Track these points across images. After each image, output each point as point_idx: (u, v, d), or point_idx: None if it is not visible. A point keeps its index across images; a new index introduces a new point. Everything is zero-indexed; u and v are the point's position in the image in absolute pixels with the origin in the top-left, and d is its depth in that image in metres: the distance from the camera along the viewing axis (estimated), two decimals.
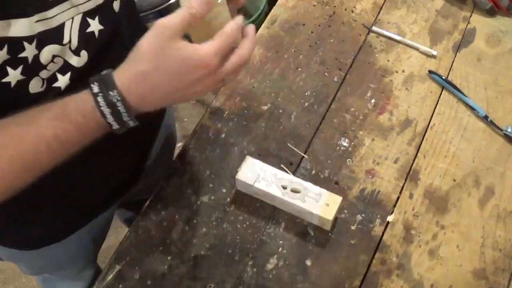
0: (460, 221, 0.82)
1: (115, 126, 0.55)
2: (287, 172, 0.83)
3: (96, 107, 0.53)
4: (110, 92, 0.52)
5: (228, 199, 0.83)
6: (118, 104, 0.53)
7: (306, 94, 0.94)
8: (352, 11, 1.05)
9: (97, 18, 0.62)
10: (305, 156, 0.87)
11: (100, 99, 0.53)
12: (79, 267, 1.06)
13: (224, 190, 0.84)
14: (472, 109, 0.92)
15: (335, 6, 1.05)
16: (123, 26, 0.68)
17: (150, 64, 0.52)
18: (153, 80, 0.53)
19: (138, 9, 0.81)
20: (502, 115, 0.92)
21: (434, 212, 0.83)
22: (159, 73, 0.53)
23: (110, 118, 0.54)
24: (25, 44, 0.53)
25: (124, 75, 0.53)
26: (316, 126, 0.91)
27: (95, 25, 0.62)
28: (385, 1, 1.07)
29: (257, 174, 0.80)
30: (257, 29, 1.03)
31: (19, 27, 0.52)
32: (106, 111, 0.53)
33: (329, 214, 0.77)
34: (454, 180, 0.86)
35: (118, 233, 1.68)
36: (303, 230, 0.81)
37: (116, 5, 0.65)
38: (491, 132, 0.91)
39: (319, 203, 0.77)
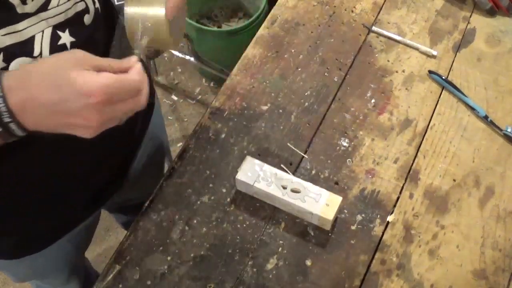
0: (460, 221, 0.82)
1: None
2: (287, 172, 0.83)
3: None
4: None
5: (228, 199, 0.83)
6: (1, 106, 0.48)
7: (306, 94, 0.94)
8: (352, 11, 1.05)
9: (67, 31, 0.62)
10: (305, 156, 0.87)
11: None
12: (64, 276, 1.04)
13: (224, 190, 0.84)
14: (472, 109, 0.92)
15: (335, 6, 1.05)
16: (97, 36, 0.68)
17: (38, 70, 0.50)
18: (33, 86, 0.49)
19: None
20: (502, 115, 0.92)
21: (434, 212, 0.83)
22: (41, 83, 0.49)
23: None
24: None
25: (11, 75, 0.50)
26: (316, 126, 0.91)
27: (66, 38, 0.62)
28: (385, 1, 1.07)
29: (257, 174, 0.80)
30: (257, 29, 1.03)
31: None
32: None
33: (329, 214, 0.77)
34: (454, 180, 0.86)
35: (118, 233, 1.68)
36: (303, 230, 0.81)
37: (87, 18, 0.65)
38: (491, 132, 0.91)
39: (319, 203, 0.77)
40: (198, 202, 0.83)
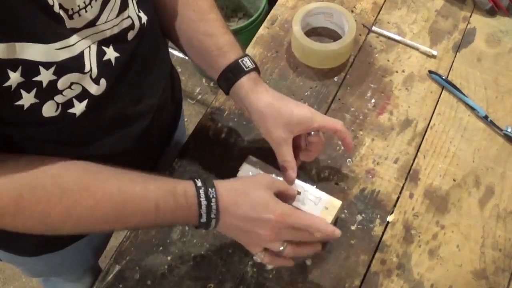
0: (460, 221, 0.82)
1: (203, 218, 0.64)
2: None
3: (196, 196, 0.63)
4: (210, 189, 0.64)
5: None
6: (213, 200, 0.63)
7: (306, 94, 0.94)
8: (352, 11, 1.05)
9: (111, 46, 0.62)
10: None
11: (201, 191, 0.63)
12: (78, 274, 1.06)
13: None
14: (472, 109, 0.92)
15: None
16: (140, 51, 0.68)
17: (242, 188, 0.66)
18: (238, 197, 0.65)
19: None
20: (502, 115, 0.92)
21: (434, 212, 0.83)
22: (244, 196, 0.65)
23: (203, 210, 0.63)
24: (41, 68, 0.53)
25: (221, 184, 0.65)
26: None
27: (110, 53, 0.62)
28: (385, 1, 1.07)
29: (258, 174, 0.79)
30: (257, 29, 1.03)
31: (35, 51, 0.52)
32: (203, 202, 0.63)
33: (327, 218, 0.76)
34: (454, 180, 0.86)
35: (118, 233, 1.68)
36: None
37: (131, 34, 0.65)
38: (491, 132, 0.91)
39: (317, 206, 0.76)
40: None
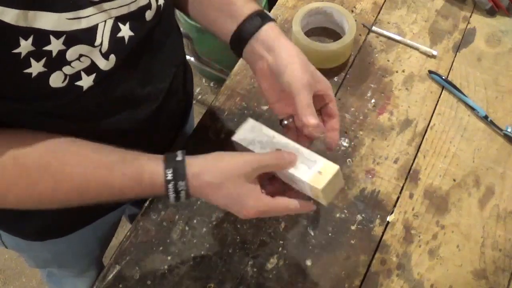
0: (460, 221, 0.82)
1: (172, 201, 0.63)
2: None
3: (165, 189, 0.62)
4: (180, 182, 0.62)
5: None
6: (182, 192, 0.62)
7: None
8: (352, 11, 1.05)
9: (127, 24, 0.62)
10: None
11: (170, 185, 0.61)
12: (82, 265, 1.06)
13: None
14: (472, 109, 0.93)
15: None
16: (155, 33, 0.69)
17: (215, 182, 0.63)
18: (210, 192, 0.63)
19: None
20: (502, 115, 0.92)
21: (434, 212, 0.83)
22: (217, 192, 0.63)
23: (171, 198, 0.63)
24: (52, 38, 0.54)
25: (195, 173, 0.62)
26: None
27: (125, 31, 0.62)
28: (385, 1, 1.07)
29: (254, 137, 0.71)
30: None
31: (47, 20, 0.52)
32: (171, 195, 0.62)
33: (319, 183, 0.65)
34: (454, 180, 0.86)
35: (118, 233, 1.68)
36: (303, 230, 0.81)
37: (148, 14, 0.65)
38: (491, 132, 0.91)
39: (311, 171, 0.66)
40: (198, 202, 0.83)
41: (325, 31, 1.02)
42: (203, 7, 0.75)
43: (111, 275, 0.77)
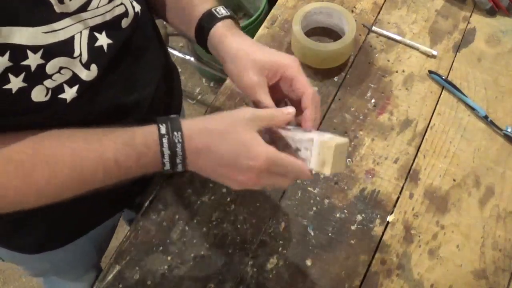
0: (460, 221, 0.82)
1: (167, 166, 0.59)
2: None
3: (159, 144, 0.58)
4: (175, 133, 0.57)
5: (228, 199, 0.83)
6: (178, 146, 0.57)
7: None
8: (352, 11, 1.05)
9: (104, 32, 0.62)
10: None
11: (164, 140, 0.57)
12: (80, 272, 1.06)
13: (224, 190, 0.84)
14: (472, 109, 0.93)
15: None
16: (134, 39, 0.68)
17: (217, 128, 0.58)
18: (212, 140, 0.58)
19: None
20: (502, 115, 0.92)
21: (434, 212, 0.83)
22: (220, 139, 0.58)
23: (166, 159, 0.58)
24: (29, 52, 0.53)
25: (191, 125, 0.59)
26: (316, 126, 0.90)
27: (103, 39, 0.62)
28: (385, 1, 1.07)
29: None
30: (257, 29, 1.03)
31: (22, 35, 0.52)
32: (166, 152, 0.58)
33: (330, 143, 0.59)
34: (454, 180, 0.86)
35: (118, 233, 1.68)
36: (303, 230, 0.81)
37: (125, 22, 0.65)
38: (491, 132, 0.91)
39: (320, 135, 0.61)
40: (198, 202, 0.83)
41: (325, 31, 1.02)
42: (171, 14, 0.75)
43: (111, 275, 0.77)
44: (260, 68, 0.64)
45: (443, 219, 0.82)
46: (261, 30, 1.02)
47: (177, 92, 0.93)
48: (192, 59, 1.78)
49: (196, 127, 0.59)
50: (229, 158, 0.57)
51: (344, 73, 0.97)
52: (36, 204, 0.60)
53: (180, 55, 1.85)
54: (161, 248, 0.79)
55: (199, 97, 2.04)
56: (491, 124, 0.91)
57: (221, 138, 0.58)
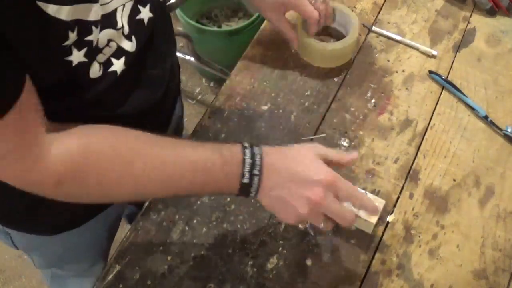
0: (460, 221, 0.82)
1: (246, 178, 0.63)
2: None
3: (242, 152, 0.64)
4: (255, 147, 0.65)
5: (228, 199, 0.83)
6: (257, 157, 0.63)
7: (306, 94, 0.94)
8: (352, 11, 1.05)
9: (148, 5, 0.64)
10: None
11: (247, 150, 0.64)
12: (91, 259, 1.06)
13: None
14: (472, 109, 0.93)
15: None
16: (163, 16, 0.72)
17: (292, 151, 0.66)
18: (287, 158, 0.65)
19: None
20: (502, 115, 0.92)
21: (434, 212, 0.83)
22: (293, 159, 0.65)
23: (247, 168, 0.63)
24: (93, 28, 0.56)
25: (268, 147, 0.66)
26: (316, 126, 0.91)
27: (145, 13, 0.64)
28: (385, 1, 1.07)
29: None
30: (257, 29, 1.03)
31: (94, 11, 0.55)
32: (248, 161, 0.63)
33: (372, 218, 0.72)
34: (454, 180, 0.86)
35: (118, 233, 1.68)
36: (303, 230, 0.81)
37: None
38: (491, 132, 0.91)
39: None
40: (198, 202, 0.83)
41: (326, 30, 1.02)
42: None
43: (111, 275, 0.77)
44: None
45: (443, 219, 0.82)
46: (261, 30, 1.02)
47: (177, 68, 0.95)
48: (192, 59, 1.78)
49: (273, 148, 0.66)
50: (300, 175, 0.64)
51: (344, 73, 0.97)
52: (125, 199, 0.66)
53: (180, 55, 1.85)
54: (161, 248, 0.79)
55: (199, 97, 2.04)
56: (491, 124, 0.91)
57: (295, 159, 0.65)
